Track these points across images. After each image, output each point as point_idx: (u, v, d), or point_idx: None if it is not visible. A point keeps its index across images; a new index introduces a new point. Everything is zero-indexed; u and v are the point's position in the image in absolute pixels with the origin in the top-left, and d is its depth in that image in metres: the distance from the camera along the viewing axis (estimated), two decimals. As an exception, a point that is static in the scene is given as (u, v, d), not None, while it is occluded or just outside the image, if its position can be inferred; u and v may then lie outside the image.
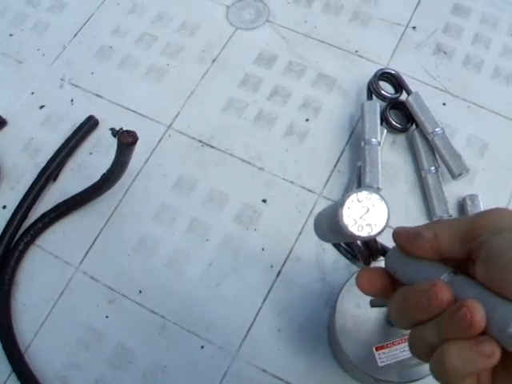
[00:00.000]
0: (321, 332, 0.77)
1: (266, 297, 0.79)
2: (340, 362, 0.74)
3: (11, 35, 1.03)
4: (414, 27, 1.01)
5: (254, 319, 0.78)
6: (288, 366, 0.75)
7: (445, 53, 0.98)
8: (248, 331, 0.77)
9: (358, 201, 0.40)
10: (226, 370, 0.75)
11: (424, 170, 0.86)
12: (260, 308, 0.79)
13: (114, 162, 0.76)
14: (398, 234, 0.43)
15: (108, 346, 0.78)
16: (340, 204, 0.41)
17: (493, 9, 1.03)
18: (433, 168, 0.85)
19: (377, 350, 0.69)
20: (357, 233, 0.40)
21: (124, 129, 0.70)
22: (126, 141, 0.70)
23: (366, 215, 0.40)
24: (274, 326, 0.78)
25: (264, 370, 0.75)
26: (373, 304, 0.65)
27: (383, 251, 0.49)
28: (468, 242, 0.40)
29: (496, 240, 0.37)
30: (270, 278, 0.81)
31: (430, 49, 0.99)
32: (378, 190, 0.82)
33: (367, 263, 0.51)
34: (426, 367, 0.68)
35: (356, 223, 0.40)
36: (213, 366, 0.76)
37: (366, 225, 0.40)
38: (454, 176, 0.84)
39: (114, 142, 0.72)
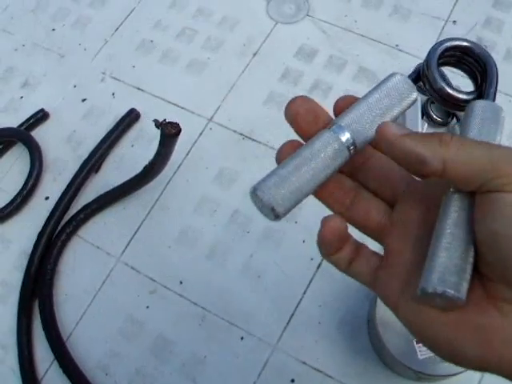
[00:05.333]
0: (361, 324, 0.77)
1: (307, 289, 0.80)
2: (380, 354, 0.74)
3: (54, 30, 1.05)
4: (454, 21, 1.00)
5: (294, 311, 0.78)
6: (328, 359, 0.76)
7: (485, 47, 0.97)
8: (288, 323, 0.78)
9: None
10: (266, 361, 0.76)
11: (465, 164, 0.85)
12: (300, 300, 0.79)
13: (156, 154, 0.77)
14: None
15: (148, 336, 0.78)
16: None
17: (535, 3, 1.02)
18: (474, 162, 0.84)
19: (417, 342, 0.68)
20: None
21: (167, 120, 0.70)
22: (169, 132, 0.70)
23: None
24: (314, 318, 0.78)
25: (304, 362, 0.75)
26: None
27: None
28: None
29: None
30: (311, 270, 0.81)
31: (470, 43, 0.98)
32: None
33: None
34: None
35: None
36: (252, 358, 0.76)
37: None
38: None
39: (155, 134, 0.72)
